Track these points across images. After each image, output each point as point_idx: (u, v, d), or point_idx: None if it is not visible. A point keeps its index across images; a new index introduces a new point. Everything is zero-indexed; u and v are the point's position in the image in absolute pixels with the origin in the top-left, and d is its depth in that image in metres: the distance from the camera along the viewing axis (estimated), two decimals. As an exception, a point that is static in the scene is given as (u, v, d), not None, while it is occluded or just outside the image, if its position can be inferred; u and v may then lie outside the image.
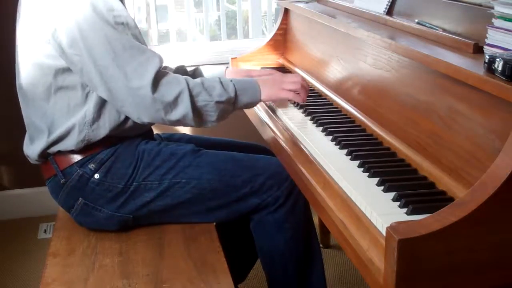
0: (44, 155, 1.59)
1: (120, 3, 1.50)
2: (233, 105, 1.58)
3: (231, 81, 1.58)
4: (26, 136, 1.65)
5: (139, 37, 1.54)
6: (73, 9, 1.45)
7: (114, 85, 1.47)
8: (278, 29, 2.32)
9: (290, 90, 1.67)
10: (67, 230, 1.64)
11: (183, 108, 1.49)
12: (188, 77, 1.55)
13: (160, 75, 1.48)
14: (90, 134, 1.54)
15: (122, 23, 1.48)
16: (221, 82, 1.56)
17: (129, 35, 1.49)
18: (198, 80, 1.55)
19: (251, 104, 1.65)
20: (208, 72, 1.86)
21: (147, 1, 2.96)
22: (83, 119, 1.53)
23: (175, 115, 1.50)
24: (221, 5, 3.24)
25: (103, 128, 1.55)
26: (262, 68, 2.25)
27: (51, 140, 1.55)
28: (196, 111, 1.52)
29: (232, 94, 1.56)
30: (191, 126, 1.57)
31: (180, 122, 1.53)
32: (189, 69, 1.87)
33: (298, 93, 1.68)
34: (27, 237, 2.66)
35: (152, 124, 1.58)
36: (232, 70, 1.88)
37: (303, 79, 1.72)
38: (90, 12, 1.44)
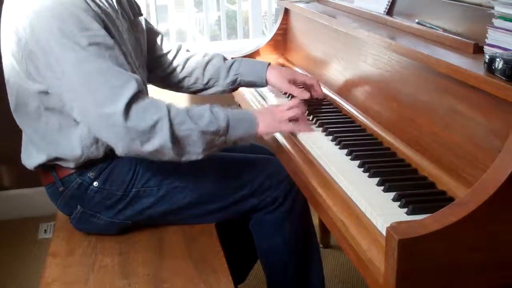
0: (42, 166, 1.57)
1: (95, 23, 1.37)
2: (224, 137, 1.43)
3: (223, 111, 1.45)
4: (25, 148, 1.60)
5: (119, 58, 1.39)
6: (44, 31, 1.35)
7: (87, 111, 1.36)
8: (278, 29, 2.32)
9: (290, 119, 1.54)
10: (67, 230, 1.64)
11: (161, 137, 1.35)
12: (171, 103, 1.42)
13: (135, 100, 1.35)
14: (90, 155, 1.51)
15: (98, 44, 1.35)
16: (211, 111, 1.43)
17: (105, 57, 1.35)
18: (183, 107, 1.42)
19: (246, 138, 1.49)
20: (247, 67, 1.81)
21: (147, 1, 2.96)
22: (81, 143, 1.48)
23: (152, 145, 1.36)
24: (221, 5, 3.24)
25: (102, 147, 1.51)
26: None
27: (49, 159, 1.52)
28: (177, 141, 1.38)
29: (223, 124, 1.42)
30: (171, 159, 1.40)
31: (158, 153, 1.38)
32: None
33: (298, 121, 1.56)
34: (27, 237, 2.66)
35: (129, 155, 1.42)
36: (275, 69, 1.80)
37: (300, 104, 1.60)
38: (59, 35, 1.34)
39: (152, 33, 1.82)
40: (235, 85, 1.85)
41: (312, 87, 1.79)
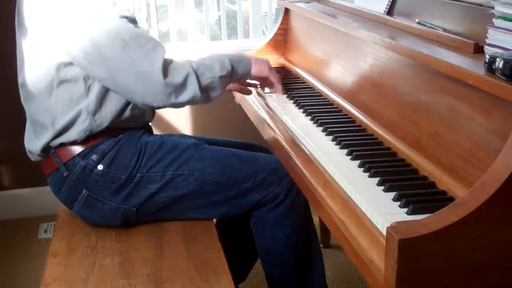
0: (47, 149, 1.60)
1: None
2: (231, 77, 1.67)
3: (225, 56, 1.67)
4: (29, 131, 1.66)
5: (140, 30, 1.58)
6: (79, 8, 1.49)
7: (122, 74, 1.51)
8: (278, 29, 2.32)
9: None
10: (68, 230, 1.65)
11: (192, 89, 1.56)
12: (189, 59, 1.61)
13: (166, 60, 1.55)
14: (93, 124, 1.57)
15: (126, 17, 1.54)
16: (218, 59, 1.64)
17: (133, 27, 1.54)
18: (198, 60, 1.61)
19: (245, 76, 1.74)
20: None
21: (147, 1, 2.96)
22: (86, 109, 1.56)
23: (185, 96, 1.56)
24: (221, 5, 3.24)
25: (105, 117, 1.58)
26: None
27: (55, 134, 1.57)
28: (203, 89, 1.59)
29: (229, 67, 1.64)
30: (199, 103, 1.64)
31: (189, 102, 1.59)
32: None
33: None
34: (27, 237, 2.66)
35: (160, 108, 1.63)
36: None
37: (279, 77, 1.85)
38: (95, 10, 1.49)
39: None
40: None
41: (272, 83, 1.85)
